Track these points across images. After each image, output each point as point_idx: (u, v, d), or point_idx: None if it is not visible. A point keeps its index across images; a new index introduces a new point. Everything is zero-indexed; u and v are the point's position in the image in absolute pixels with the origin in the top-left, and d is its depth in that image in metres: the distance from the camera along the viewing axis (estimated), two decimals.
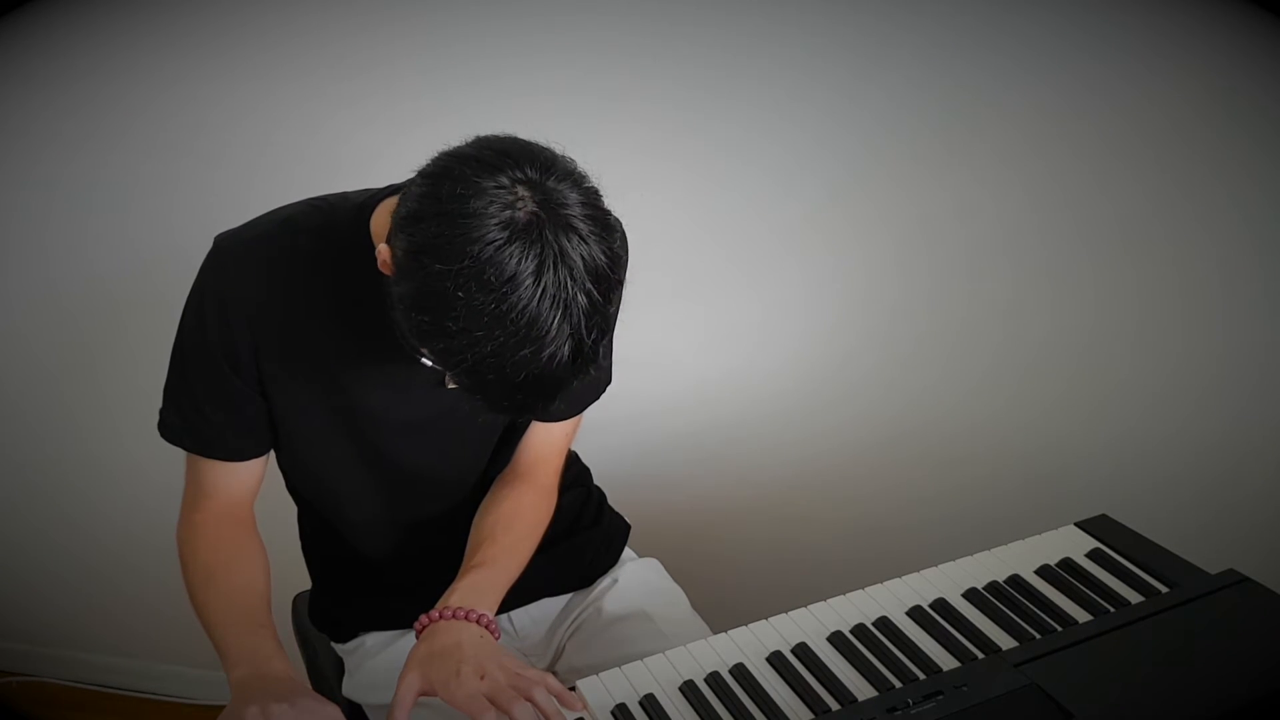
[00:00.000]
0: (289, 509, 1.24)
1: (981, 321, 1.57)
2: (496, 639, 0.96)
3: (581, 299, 0.80)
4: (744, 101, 1.49)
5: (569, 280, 0.79)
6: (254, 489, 1.10)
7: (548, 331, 0.79)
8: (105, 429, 1.86)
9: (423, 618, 0.97)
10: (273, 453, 1.17)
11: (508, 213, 0.79)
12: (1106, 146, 1.43)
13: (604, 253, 0.82)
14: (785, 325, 1.64)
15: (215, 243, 1.01)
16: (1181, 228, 1.45)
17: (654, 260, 1.61)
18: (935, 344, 1.60)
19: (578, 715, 0.93)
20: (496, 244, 0.78)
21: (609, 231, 0.83)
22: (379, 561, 1.19)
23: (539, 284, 0.78)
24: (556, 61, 1.48)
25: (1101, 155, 1.44)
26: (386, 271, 0.86)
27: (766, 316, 1.64)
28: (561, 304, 0.79)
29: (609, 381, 1.18)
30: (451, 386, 1.02)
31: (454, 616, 0.96)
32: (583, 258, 0.80)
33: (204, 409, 1.03)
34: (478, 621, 0.96)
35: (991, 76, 1.43)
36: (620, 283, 0.85)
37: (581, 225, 0.81)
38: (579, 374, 0.83)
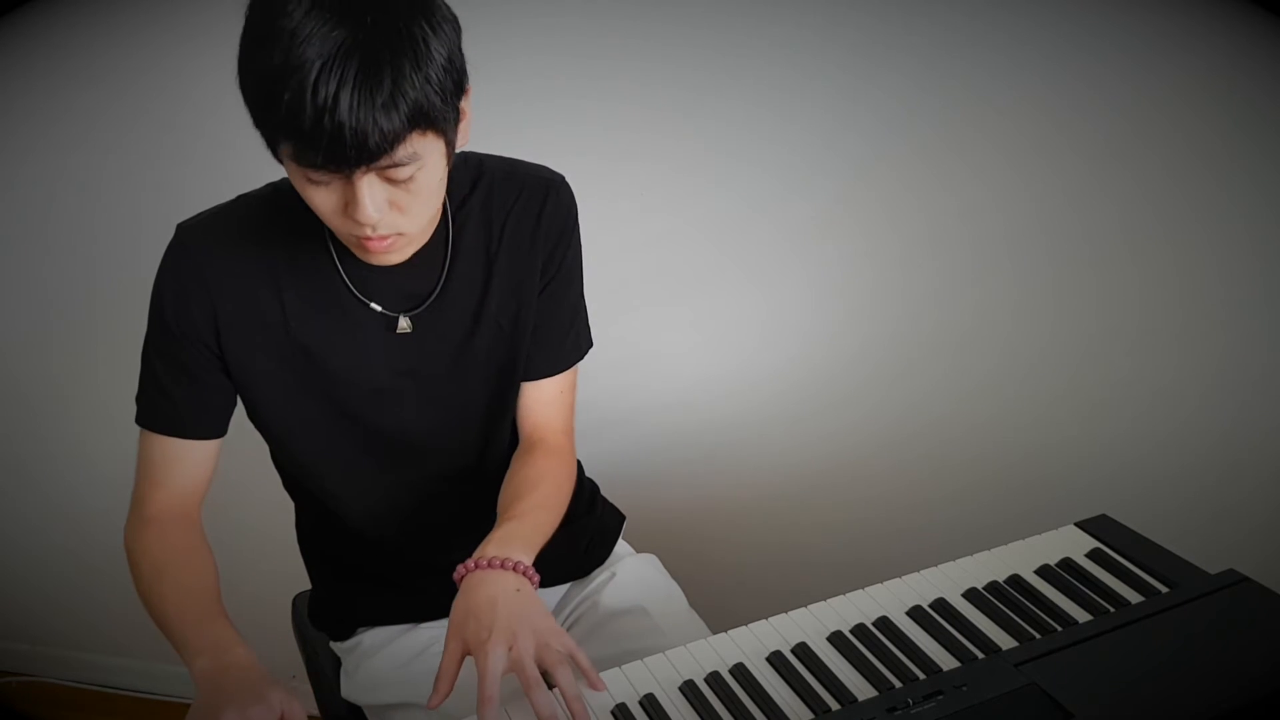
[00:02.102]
0: (287, 510, 1.25)
1: (983, 322, 1.57)
2: (535, 585, 0.97)
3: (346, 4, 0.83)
4: (747, 102, 1.49)
5: None
6: (203, 483, 1.09)
7: (312, 33, 0.82)
8: (105, 428, 1.86)
9: (460, 567, 0.97)
10: (270, 457, 1.18)
11: None
12: (1107, 147, 1.43)
13: None
14: (787, 326, 1.64)
15: (176, 228, 1.04)
16: (1182, 228, 1.45)
17: (657, 260, 1.62)
18: (937, 344, 1.60)
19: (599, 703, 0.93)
20: None
21: None
22: (377, 544, 1.19)
23: None
24: (557, 65, 1.48)
25: (1102, 156, 1.44)
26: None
27: (769, 317, 1.64)
28: (326, 7, 0.83)
29: (589, 343, 1.20)
30: (402, 330, 1.05)
31: (489, 566, 0.96)
32: None
33: (165, 385, 1.05)
34: (514, 569, 0.96)
35: (993, 78, 1.43)
36: (417, 14, 0.86)
37: None
38: (396, 93, 0.84)
